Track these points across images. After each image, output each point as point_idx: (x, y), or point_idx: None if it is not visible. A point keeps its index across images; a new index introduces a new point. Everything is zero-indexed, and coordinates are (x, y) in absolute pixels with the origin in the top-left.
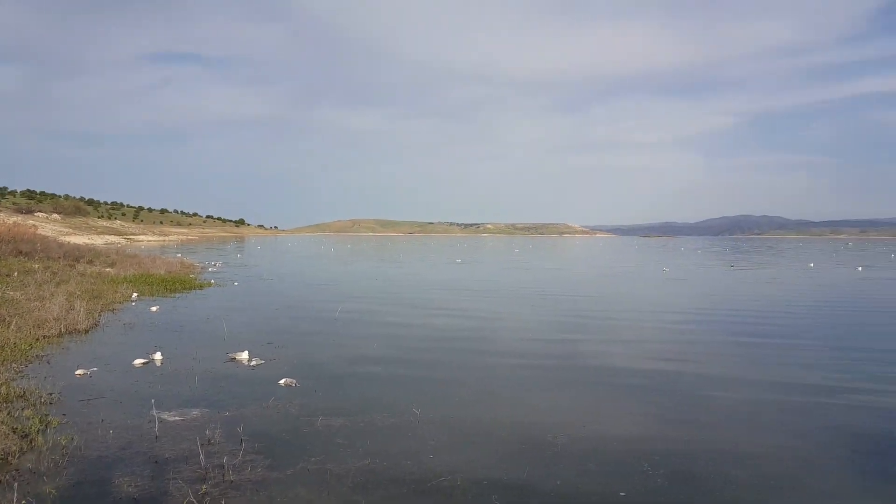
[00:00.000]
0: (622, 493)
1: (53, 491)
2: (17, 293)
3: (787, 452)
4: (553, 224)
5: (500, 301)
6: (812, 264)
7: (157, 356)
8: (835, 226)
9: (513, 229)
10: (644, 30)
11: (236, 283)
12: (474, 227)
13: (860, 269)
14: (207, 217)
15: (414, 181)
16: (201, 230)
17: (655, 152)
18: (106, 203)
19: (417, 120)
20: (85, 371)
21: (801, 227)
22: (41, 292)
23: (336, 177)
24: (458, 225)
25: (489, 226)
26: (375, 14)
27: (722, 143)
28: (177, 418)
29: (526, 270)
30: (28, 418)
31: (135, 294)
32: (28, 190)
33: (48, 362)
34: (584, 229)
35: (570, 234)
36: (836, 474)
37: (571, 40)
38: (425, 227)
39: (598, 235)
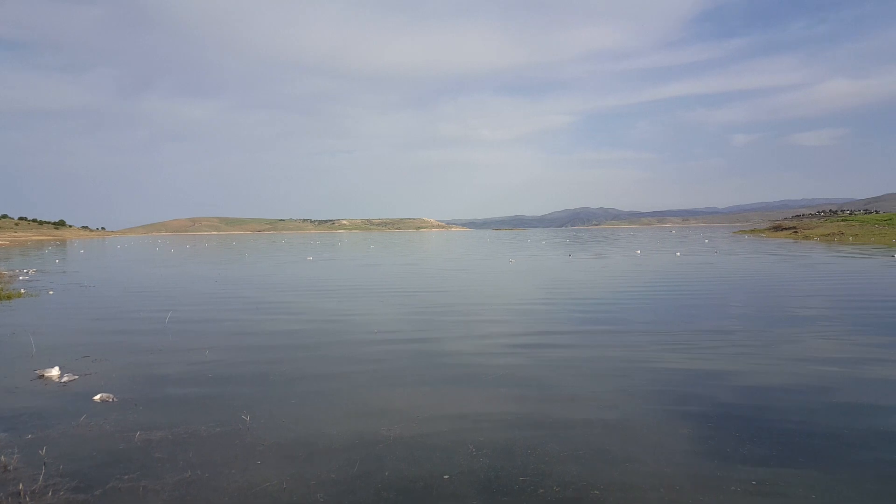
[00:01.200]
0: (445, 476)
1: None
2: None
3: (601, 425)
4: (409, 219)
5: (349, 299)
6: (639, 251)
7: None
8: (661, 215)
9: (369, 225)
10: (484, 30)
11: (51, 293)
12: (329, 223)
13: (678, 254)
14: (20, 219)
15: (261, 176)
16: (13, 234)
17: (502, 149)
18: None
19: (261, 111)
20: None
21: (633, 217)
22: None
23: (171, 172)
24: (311, 221)
25: (344, 221)
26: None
27: (561, 140)
28: None
29: (379, 266)
30: None
31: None
32: None
33: None
34: (440, 224)
35: (426, 228)
36: (653, 441)
37: (413, 37)
38: (276, 225)
39: (453, 229)
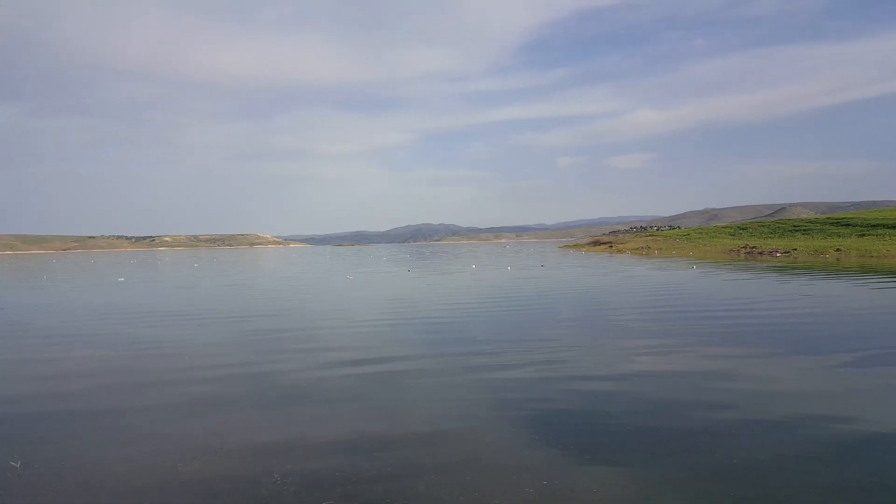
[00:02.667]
0: None
1: None
2: None
3: (418, 441)
4: (243, 235)
5: (156, 325)
6: (474, 266)
7: None
8: (497, 231)
9: (196, 241)
10: (321, 44)
11: None
12: (148, 239)
13: (509, 268)
14: None
15: (68, 189)
16: None
17: (343, 163)
18: None
19: (68, 117)
20: None
21: (472, 233)
22: None
23: None
24: (127, 238)
25: (167, 238)
26: None
27: (402, 157)
28: None
29: (198, 288)
30: None
31: None
32: None
33: None
34: (276, 240)
35: (261, 245)
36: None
37: (248, 46)
38: (85, 242)
39: (291, 246)
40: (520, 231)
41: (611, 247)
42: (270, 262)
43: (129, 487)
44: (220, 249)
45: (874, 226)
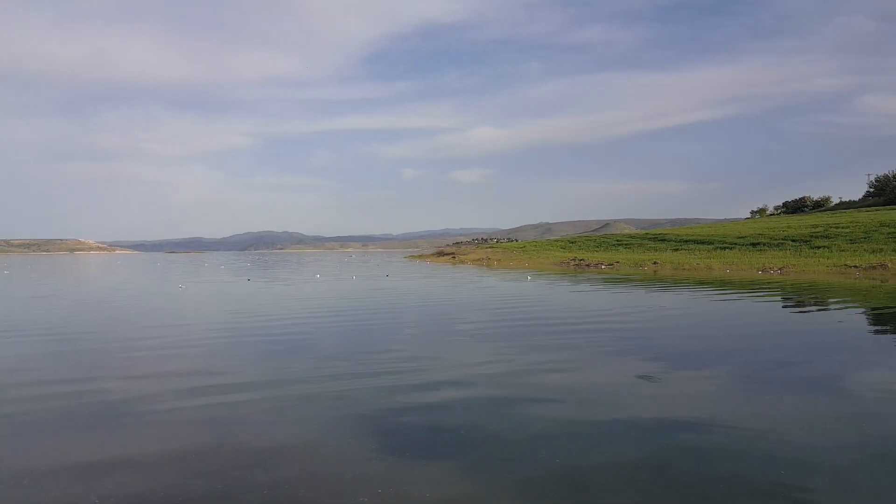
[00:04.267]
0: None
1: None
2: None
3: (245, 454)
4: (62, 240)
5: None
6: (318, 276)
7: None
8: (344, 241)
9: (7, 246)
10: (150, 39)
11: None
12: None
13: (354, 278)
14: None
15: None
16: None
17: (175, 166)
18: None
19: None
20: None
21: (318, 241)
22: None
23: None
24: None
25: None
26: None
27: (241, 161)
28: None
29: (8, 299)
30: None
31: None
32: None
33: None
34: (100, 245)
35: (83, 251)
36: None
37: (63, 36)
38: None
39: (117, 252)
40: (366, 240)
41: (454, 258)
42: (92, 270)
43: None
44: (35, 255)
45: (686, 241)
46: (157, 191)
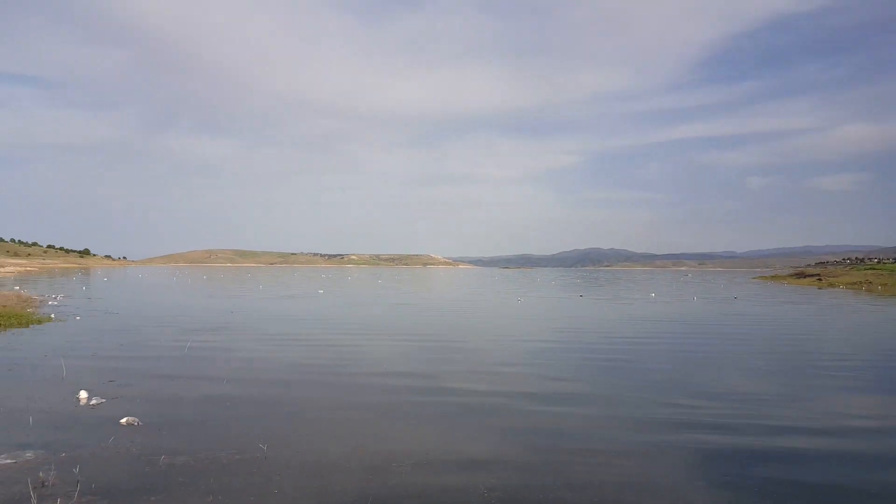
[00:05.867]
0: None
1: None
2: None
3: (601, 467)
4: (417, 255)
5: (360, 333)
6: (654, 294)
7: None
8: (676, 258)
9: (377, 260)
10: (489, 73)
11: (78, 318)
12: (338, 257)
13: (696, 298)
14: (48, 247)
15: (273, 210)
16: (42, 261)
17: (510, 187)
18: None
19: (272, 149)
20: None
21: (647, 259)
22: None
23: (189, 205)
24: (321, 255)
25: (353, 256)
26: (228, 43)
27: (570, 179)
28: (9, 461)
29: (385, 302)
30: None
31: None
32: None
33: None
34: (447, 261)
35: (433, 265)
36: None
37: (419, 80)
38: (287, 258)
39: (460, 267)
40: (703, 258)
41: (819, 279)
42: (443, 282)
43: (354, 477)
44: (398, 268)
45: None
46: (494, 211)
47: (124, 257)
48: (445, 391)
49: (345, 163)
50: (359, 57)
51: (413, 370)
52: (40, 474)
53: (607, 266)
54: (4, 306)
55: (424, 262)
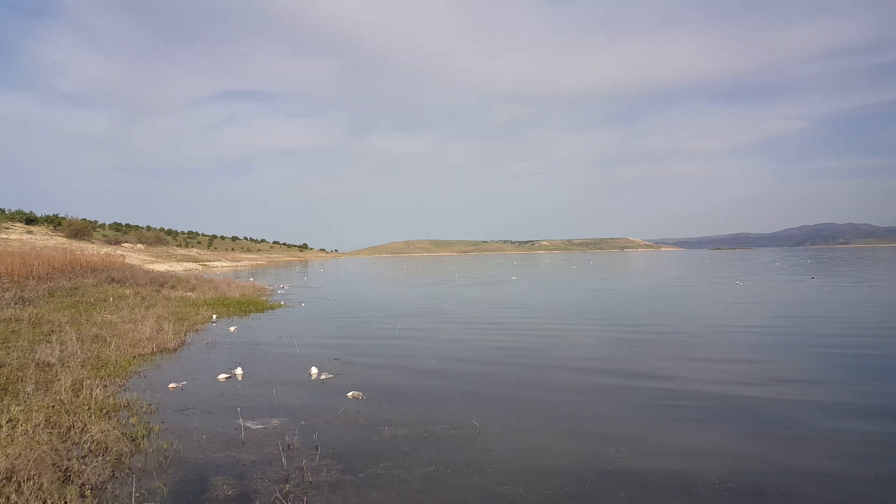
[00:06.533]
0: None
1: (163, 487)
2: (114, 316)
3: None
4: (613, 239)
5: (558, 319)
6: None
7: (238, 371)
8: None
9: (569, 245)
10: (689, 40)
11: (303, 304)
12: (529, 244)
13: None
14: (274, 243)
15: (466, 200)
16: (269, 255)
17: (718, 161)
18: (183, 232)
19: (462, 141)
20: (177, 385)
21: (894, 234)
22: (133, 315)
23: (389, 200)
24: (512, 243)
25: (544, 242)
26: (420, 43)
27: (792, 147)
28: (259, 426)
29: (581, 287)
30: (134, 425)
31: (214, 316)
32: (115, 223)
33: (145, 377)
34: (647, 243)
35: (631, 248)
36: None
37: (612, 55)
38: (479, 246)
39: (663, 249)
40: None
41: None
42: (644, 266)
43: (567, 460)
44: (592, 253)
45: None
46: (699, 187)
47: (336, 250)
48: (654, 378)
49: (534, 149)
50: (548, 39)
51: (617, 356)
52: (286, 438)
53: (843, 244)
54: (244, 295)
55: (621, 245)
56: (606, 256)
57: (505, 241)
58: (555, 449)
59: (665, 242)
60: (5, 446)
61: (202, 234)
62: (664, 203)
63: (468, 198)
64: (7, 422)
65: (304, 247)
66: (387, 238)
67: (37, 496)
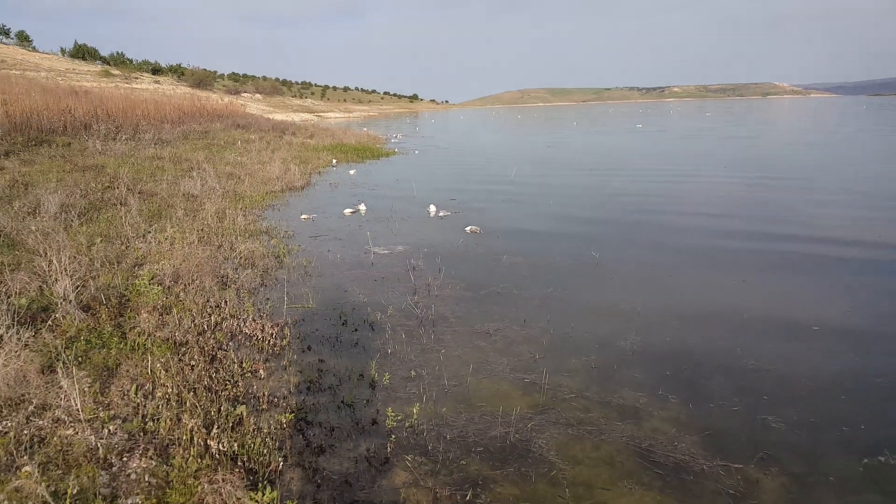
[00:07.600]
0: (833, 369)
1: (308, 292)
2: (244, 158)
3: None
4: (755, 84)
5: (681, 166)
6: None
7: (362, 207)
8: None
9: (705, 92)
10: None
11: (417, 152)
12: (657, 91)
13: None
14: (385, 93)
15: (588, 44)
16: (380, 106)
17: None
18: (297, 83)
19: None
20: (308, 216)
21: None
22: (261, 157)
23: (504, 46)
24: (638, 90)
25: (676, 89)
26: None
27: None
28: (385, 252)
29: (716, 136)
30: (275, 246)
31: (334, 160)
32: (233, 73)
33: (278, 210)
34: (795, 89)
35: (776, 94)
36: None
37: None
38: (601, 95)
39: (812, 95)
40: None
41: None
42: (791, 115)
43: (689, 300)
44: (730, 100)
45: None
46: (860, 23)
47: (446, 101)
48: (784, 239)
49: None
50: None
51: (744, 207)
52: (411, 261)
53: None
54: (361, 143)
55: (765, 91)
56: (746, 104)
57: (631, 88)
58: (674, 279)
59: (815, 87)
60: (169, 258)
61: (315, 85)
62: (817, 42)
63: (590, 41)
64: (165, 239)
65: (414, 97)
66: (500, 88)
67: (200, 293)
